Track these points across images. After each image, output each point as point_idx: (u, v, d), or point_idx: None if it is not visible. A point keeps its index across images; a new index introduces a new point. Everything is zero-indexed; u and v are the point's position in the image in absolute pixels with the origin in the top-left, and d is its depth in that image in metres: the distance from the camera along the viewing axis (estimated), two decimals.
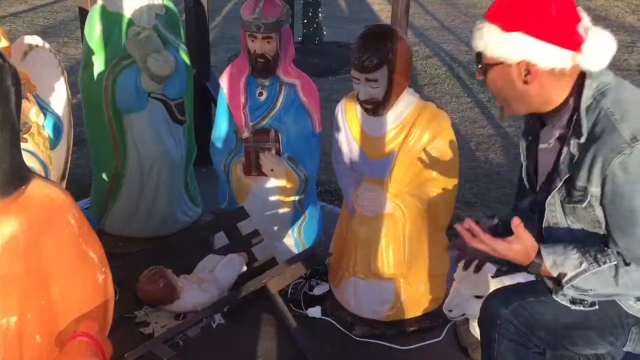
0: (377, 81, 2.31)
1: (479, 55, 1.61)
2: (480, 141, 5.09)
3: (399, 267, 2.55)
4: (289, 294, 2.78)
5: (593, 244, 1.58)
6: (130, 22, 2.92)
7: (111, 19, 2.93)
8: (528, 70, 1.52)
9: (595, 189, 1.50)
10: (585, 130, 1.51)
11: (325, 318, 2.69)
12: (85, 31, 3.00)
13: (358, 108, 2.51)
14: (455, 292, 2.36)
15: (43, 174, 2.59)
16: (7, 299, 1.37)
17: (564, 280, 1.55)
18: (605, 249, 1.56)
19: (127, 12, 2.91)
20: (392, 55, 2.28)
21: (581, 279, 1.54)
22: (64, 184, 2.89)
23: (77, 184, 4.12)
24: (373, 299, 2.60)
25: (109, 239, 3.22)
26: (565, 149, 1.57)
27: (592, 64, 1.53)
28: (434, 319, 2.63)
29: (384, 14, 10.36)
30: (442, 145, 2.45)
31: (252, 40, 2.72)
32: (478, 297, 2.33)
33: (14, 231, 1.37)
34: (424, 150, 2.45)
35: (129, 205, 3.18)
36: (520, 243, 1.55)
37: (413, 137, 2.44)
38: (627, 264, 1.53)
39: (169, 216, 3.24)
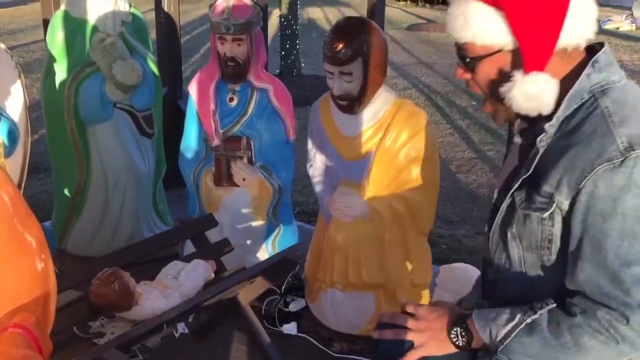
0: (351, 74, 2.20)
1: (462, 49, 1.30)
2: (461, 164, 5.00)
3: (378, 275, 2.39)
4: (263, 310, 2.60)
5: (521, 276, 1.33)
6: (95, 29, 2.80)
7: (74, 25, 2.80)
8: None
9: (564, 201, 1.21)
10: (556, 121, 1.26)
11: (302, 335, 2.50)
12: (47, 38, 2.87)
13: (333, 108, 2.39)
14: (438, 298, 2.20)
15: None
16: None
17: (497, 341, 1.27)
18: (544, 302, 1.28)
19: (92, 17, 2.79)
20: (367, 47, 2.17)
21: (516, 338, 1.26)
22: None
23: (42, 207, 3.93)
24: (352, 312, 2.43)
25: (71, 260, 3.02)
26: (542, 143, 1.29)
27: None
28: None
29: None
30: (421, 144, 2.33)
31: (222, 43, 2.61)
32: None
33: None
34: (402, 150, 2.32)
35: (93, 223, 2.99)
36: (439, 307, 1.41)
37: (390, 136, 2.32)
38: (577, 314, 1.22)
39: (135, 234, 3.05)
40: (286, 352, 2.33)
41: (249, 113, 2.71)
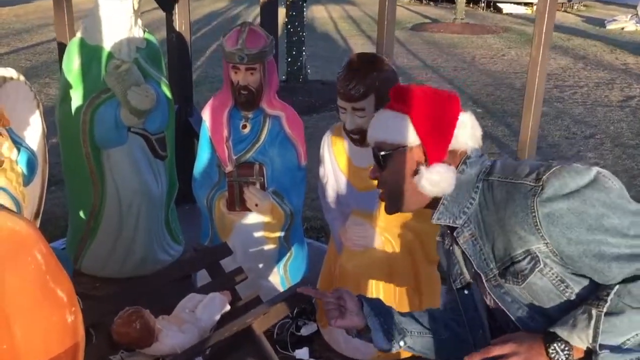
0: (364, 110, 2.25)
1: (377, 148, 1.52)
2: None
3: (389, 303, 2.43)
4: (275, 334, 2.66)
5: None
6: (110, 55, 2.85)
7: (90, 51, 2.86)
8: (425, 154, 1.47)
9: (539, 245, 1.36)
10: (466, 217, 1.45)
11: None
12: (64, 64, 2.92)
13: (345, 139, 2.43)
14: None
15: (15, 211, 2.47)
16: None
17: (590, 344, 1.34)
18: (602, 288, 1.38)
19: (107, 44, 2.85)
20: (379, 83, 2.22)
21: (604, 331, 1.33)
22: (38, 222, 2.77)
23: (54, 223, 4.00)
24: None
25: (86, 280, 3.09)
26: (464, 239, 1.46)
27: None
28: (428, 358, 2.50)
29: None
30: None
31: (235, 72, 2.65)
32: None
33: None
34: None
35: (107, 244, 3.05)
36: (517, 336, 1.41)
37: None
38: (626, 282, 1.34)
39: (149, 255, 3.11)
40: None
41: (261, 140, 2.76)
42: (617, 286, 1.35)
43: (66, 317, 1.39)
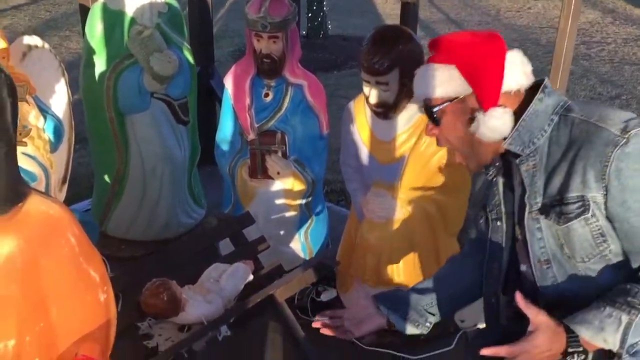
0: (387, 84, 2.23)
1: (428, 105, 1.49)
2: None
3: (409, 274, 2.48)
4: (296, 300, 2.72)
5: (599, 276, 1.41)
6: (133, 21, 2.84)
7: (112, 17, 2.85)
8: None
9: (596, 194, 1.35)
10: (543, 140, 1.42)
11: None
12: (86, 29, 2.92)
13: (367, 111, 2.43)
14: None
15: (43, 178, 2.54)
16: (4, 323, 1.31)
17: (616, 349, 1.34)
18: (627, 286, 1.36)
19: (129, 10, 2.84)
20: (403, 57, 2.20)
21: (632, 336, 1.32)
22: (65, 187, 2.84)
23: (79, 183, 4.07)
24: None
25: (112, 241, 3.17)
26: (526, 168, 1.44)
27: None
28: (445, 327, 2.56)
29: (389, 6, 10.25)
30: None
31: (258, 40, 2.64)
32: None
33: (11, 251, 1.30)
34: (437, 155, 2.37)
35: (132, 208, 3.11)
36: (542, 331, 1.34)
37: (425, 141, 2.36)
38: None
39: (172, 218, 3.17)
40: (318, 343, 2.46)
41: (283, 108, 2.76)
42: None
43: (99, 295, 1.45)
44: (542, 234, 1.44)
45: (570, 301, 1.44)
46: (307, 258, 2.93)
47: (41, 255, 1.34)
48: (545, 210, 1.42)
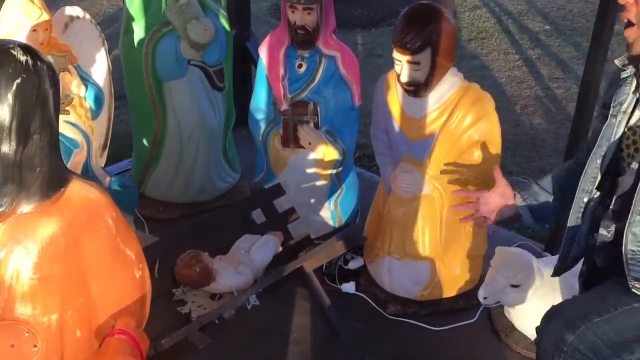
0: (419, 64, 2.24)
1: None
2: (527, 104, 4.93)
3: (435, 249, 2.54)
4: (324, 267, 2.81)
5: None
6: None
7: None
8: None
9: None
10: None
11: (359, 294, 2.71)
12: None
13: (398, 88, 2.44)
14: (491, 280, 2.34)
15: (85, 145, 2.65)
16: (48, 299, 1.42)
17: None
18: None
19: None
20: (436, 36, 2.19)
21: None
22: (105, 153, 2.95)
23: (119, 141, 4.18)
24: (407, 279, 2.61)
25: (150, 203, 3.29)
26: None
27: None
28: (468, 300, 2.63)
29: None
30: (484, 129, 2.38)
31: (293, 11, 2.65)
32: (514, 285, 2.31)
33: (54, 233, 1.40)
34: (467, 133, 2.38)
35: (169, 171, 3.22)
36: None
37: (455, 119, 2.37)
38: None
39: (207, 182, 3.27)
40: (344, 310, 2.56)
41: (316, 80, 2.78)
42: None
43: (135, 273, 1.55)
44: None
45: None
46: (337, 226, 3.00)
47: (82, 236, 1.44)
48: None
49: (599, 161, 1.65)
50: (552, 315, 1.71)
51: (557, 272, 1.85)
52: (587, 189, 1.67)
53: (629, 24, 1.48)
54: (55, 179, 1.41)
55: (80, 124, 2.60)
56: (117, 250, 1.51)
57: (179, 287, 2.17)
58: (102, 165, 2.86)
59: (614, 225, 1.62)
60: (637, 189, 1.51)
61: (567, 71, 5.56)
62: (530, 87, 5.25)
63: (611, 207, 1.63)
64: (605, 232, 1.64)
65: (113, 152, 3.89)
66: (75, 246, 1.43)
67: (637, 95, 1.57)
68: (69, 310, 1.45)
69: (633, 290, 1.56)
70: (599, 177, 1.65)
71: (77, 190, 1.45)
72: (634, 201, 1.52)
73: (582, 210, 1.70)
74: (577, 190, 1.69)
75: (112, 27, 5.98)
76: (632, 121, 1.57)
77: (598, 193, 1.67)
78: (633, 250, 1.54)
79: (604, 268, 1.68)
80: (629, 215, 1.53)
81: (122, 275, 1.53)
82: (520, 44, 6.26)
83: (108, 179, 2.72)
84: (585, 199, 1.68)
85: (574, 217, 1.72)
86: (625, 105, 1.58)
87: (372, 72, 4.78)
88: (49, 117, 1.38)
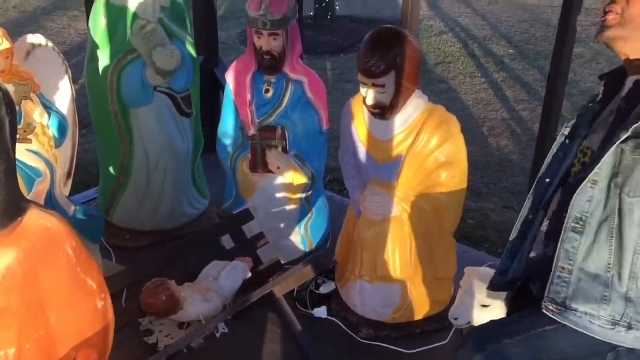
0: (384, 87, 2.26)
1: None
2: (494, 126, 5.01)
3: (405, 270, 2.53)
4: (295, 292, 2.78)
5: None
6: (135, 16, 2.86)
7: (116, 12, 2.87)
8: None
9: None
10: None
11: (331, 318, 2.69)
12: (90, 25, 2.95)
13: (365, 111, 2.45)
14: (462, 301, 2.33)
15: (48, 173, 2.59)
16: (5, 332, 1.37)
17: None
18: None
19: (132, 5, 2.85)
20: (400, 60, 2.22)
21: None
22: (70, 182, 2.90)
23: (86, 169, 4.13)
24: (379, 302, 2.59)
25: (117, 231, 3.23)
26: None
27: None
28: (440, 322, 2.62)
29: None
30: (450, 150, 2.40)
31: (259, 37, 2.66)
32: (484, 306, 2.31)
33: (11, 264, 1.36)
34: (433, 154, 2.40)
35: (136, 199, 3.17)
36: None
37: (421, 141, 2.39)
38: None
39: (176, 209, 3.23)
40: (316, 336, 2.53)
41: (284, 104, 2.79)
42: None
43: (97, 303, 1.51)
44: (612, 160, 1.46)
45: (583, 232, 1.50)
46: (307, 251, 2.99)
47: (40, 266, 1.40)
48: (627, 138, 1.43)
49: (547, 180, 1.66)
50: (468, 337, 1.72)
51: (494, 286, 1.82)
52: (533, 207, 1.68)
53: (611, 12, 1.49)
54: (12, 208, 1.37)
55: (43, 152, 2.55)
56: (77, 280, 1.47)
57: (146, 316, 2.12)
58: (67, 194, 2.80)
59: (550, 244, 1.61)
60: (570, 206, 1.51)
61: (531, 94, 5.67)
62: (497, 109, 5.34)
63: (546, 226, 1.64)
64: (540, 251, 1.65)
65: (80, 181, 3.84)
66: (33, 277, 1.39)
67: (593, 119, 1.59)
68: (27, 343, 1.41)
69: (544, 311, 1.54)
70: (547, 196, 1.65)
71: (36, 219, 1.41)
72: (567, 218, 1.52)
73: (521, 226, 1.70)
74: (524, 206, 1.71)
75: (80, 56, 5.97)
76: (585, 143, 1.59)
77: (543, 212, 1.67)
78: (563, 268, 1.53)
79: (536, 289, 1.66)
80: (562, 232, 1.53)
81: (83, 306, 1.49)
82: (486, 67, 6.39)
83: (73, 208, 2.66)
84: (530, 217, 1.68)
85: (515, 232, 1.73)
86: (580, 128, 1.61)
87: (341, 97, 4.82)
88: (4, 145, 1.34)
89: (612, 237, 1.48)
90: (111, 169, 3.16)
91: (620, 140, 1.43)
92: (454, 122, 2.40)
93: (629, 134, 1.42)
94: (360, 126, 2.50)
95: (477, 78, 6.07)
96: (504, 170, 4.27)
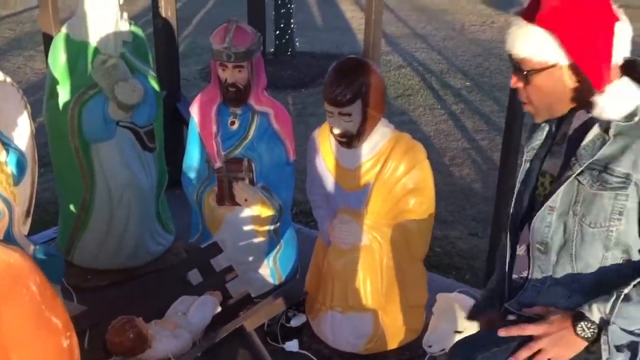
0: (350, 115, 2.27)
1: (520, 62, 1.51)
2: (455, 155, 5.09)
3: (376, 299, 2.51)
4: (266, 326, 2.72)
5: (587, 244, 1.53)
6: (96, 51, 2.83)
7: (76, 47, 2.83)
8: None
9: None
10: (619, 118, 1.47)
11: (303, 352, 2.63)
12: (49, 60, 2.90)
13: (332, 140, 2.46)
14: (435, 327, 2.33)
15: (6, 212, 2.50)
16: None
17: (606, 314, 1.45)
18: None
19: (93, 40, 2.82)
20: (365, 89, 2.24)
21: (619, 308, 1.44)
22: (29, 220, 2.79)
23: (44, 209, 4.02)
24: (351, 332, 2.56)
25: (78, 271, 3.13)
26: (590, 136, 1.50)
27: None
28: (414, 350, 2.60)
29: (355, 22, 10.36)
30: (417, 176, 2.42)
31: (223, 69, 2.66)
32: (458, 332, 2.31)
33: None
34: (400, 181, 2.41)
35: (98, 236, 3.08)
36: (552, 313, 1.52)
37: (388, 168, 2.40)
38: None
39: (139, 246, 3.15)
40: None
41: (250, 136, 2.78)
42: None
43: (62, 341, 1.45)
44: (570, 190, 1.52)
45: (547, 253, 1.57)
46: (276, 284, 2.94)
47: (2, 304, 1.33)
48: (584, 173, 1.49)
49: (517, 207, 1.71)
50: (455, 347, 1.73)
51: (475, 314, 1.86)
52: (510, 231, 1.71)
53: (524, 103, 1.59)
54: None
55: (0, 190, 2.46)
56: (41, 318, 1.41)
57: (112, 357, 2.04)
58: (26, 233, 2.70)
59: (528, 267, 1.66)
60: (531, 232, 1.58)
61: (489, 124, 5.81)
62: (457, 139, 5.44)
63: (523, 249, 1.68)
64: (519, 274, 1.68)
65: (38, 220, 3.72)
66: None
67: (550, 141, 1.64)
68: None
69: (510, 317, 1.60)
70: (518, 221, 1.70)
71: None
72: (531, 242, 1.59)
73: (498, 252, 1.76)
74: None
75: (37, 95, 5.87)
76: (544, 167, 1.64)
77: (516, 237, 1.71)
78: (537, 279, 1.60)
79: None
80: (531, 252, 1.60)
81: (48, 345, 1.42)
82: (445, 99, 6.53)
83: (32, 247, 2.56)
84: (506, 242, 1.71)
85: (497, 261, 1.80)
86: (538, 150, 1.66)
87: (304, 131, 4.83)
88: None
89: (571, 260, 1.55)
90: (71, 207, 3.08)
91: (575, 174, 1.51)
92: (419, 149, 2.43)
93: (581, 168, 1.50)
94: (327, 155, 2.50)
95: (436, 110, 6.19)
96: (467, 198, 4.33)
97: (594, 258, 1.52)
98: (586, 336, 1.47)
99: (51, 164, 3.23)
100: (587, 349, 1.49)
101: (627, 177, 1.44)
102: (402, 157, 2.40)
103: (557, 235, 1.55)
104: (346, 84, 2.22)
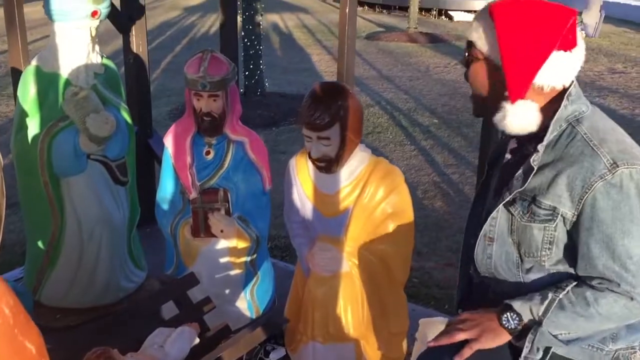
0: (329, 139, 2.27)
1: (470, 44, 1.60)
2: (427, 189, 5.13)
3: (358, 327, 2.46)
4: None
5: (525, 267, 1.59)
6: (67, 82, 2.78)
7: (46, 79, 2.79)
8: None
9: (568, 212, 1.47)
10: (546, 143, 1.51)
11: None
12: (19, 92, 2.84)
13: (310, 165, 2.45)
14: (418, 353, 2.28)
15: None
16: None
17: (539, 316, 1.49)
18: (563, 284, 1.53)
19: (64, 71, 2.78)
20: (343, 112, 2.25)
21: (552, 313, 1.48)
22: None
23: (10, 250, 3.89)
24: None
25: (46, 311, 3.00)
26: (525, 165, 1.55)
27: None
28: None
29: (323, 64, 10.53)
30: (396, 201, 2.42)
31: (198, 99, 2.64)
32: None
33: None
34: (380, 206, 2.40)
35: (68, 274, 2.97)
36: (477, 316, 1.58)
37: (368, 193, 2.39)
38: (598, 290, 1.47)
39: (111, 283, 3.05)
40: None
41: (225, 166, 2.75)
42: (576, 283, 1.50)
43: None
44: (504, 215, 1.58)
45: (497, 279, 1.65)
46: (254, 316, 2.87)
47: None
48: (514, 201, 1.54)
49: (473, 225, 1.78)
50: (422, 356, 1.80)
51: None
52: (472, 232, 1.79)
53: None
54: None
55: None
56: (14, 343, 1.32)
57: None
58: None
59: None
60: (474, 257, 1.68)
61: (459, 158, 5.89)
62: (428, 174, 5.49)
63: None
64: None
65: (3, 261, 3.59)
66: None
67: (515, 156, 1.67)
68: None
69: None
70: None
71: None
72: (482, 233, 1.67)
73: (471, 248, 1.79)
74: (465, 232, 1.88)
75: (2, 137, 5.75)
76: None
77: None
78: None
79: None
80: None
81: None
82: (414, 136, 6.62)
83: None
84: (473, 240, 1.75)
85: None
86: (491, 168, 1.73)
87: (277, 167, 4.80)
88: None
89: (521, 280, 1.62)
90: (40, 244, 2.97)
91: (505, 201, 1.56)
92: (398, 172, 2.43)
93: (510, 197, 1.55)
94: (306, 182, 2.48)
95: (406, 146, 6.26)
96: (441, 229, 4.34)
97: (539, 279, 1.58)
98: (510, 327, 1.52)
99: (18, 205, 3.14)
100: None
101: (554, 210, 1.49)
102: (380, 181, 2.40)
103: (500, 264, 1.62)
104: (324, 108, 2.22)
